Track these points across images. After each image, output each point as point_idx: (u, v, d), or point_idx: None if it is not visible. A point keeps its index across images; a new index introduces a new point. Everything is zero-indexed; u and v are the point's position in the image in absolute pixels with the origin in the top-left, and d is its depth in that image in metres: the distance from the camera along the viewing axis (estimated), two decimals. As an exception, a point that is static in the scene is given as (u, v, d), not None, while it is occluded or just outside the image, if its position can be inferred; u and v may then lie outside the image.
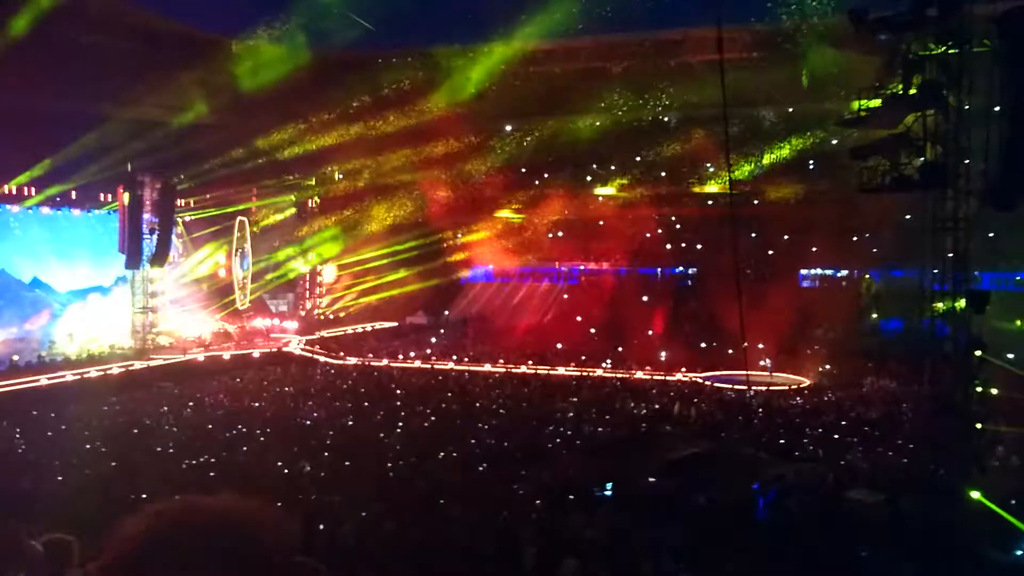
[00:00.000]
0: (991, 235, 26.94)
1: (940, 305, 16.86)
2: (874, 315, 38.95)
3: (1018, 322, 32.71)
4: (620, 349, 38.14)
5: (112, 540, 1.70)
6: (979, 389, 16.38)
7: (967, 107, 16.62)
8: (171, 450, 20.65)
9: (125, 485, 16.91)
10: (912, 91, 16.96)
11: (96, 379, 31.75)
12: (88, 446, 21.13)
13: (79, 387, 30.35)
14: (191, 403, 27.59)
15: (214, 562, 1.61)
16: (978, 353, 16.46)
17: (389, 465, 19.18)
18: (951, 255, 16.82)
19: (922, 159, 16.93)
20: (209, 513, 1.70)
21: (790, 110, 42.91)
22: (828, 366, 33.03)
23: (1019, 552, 14.22)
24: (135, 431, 23.03)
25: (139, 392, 29.89)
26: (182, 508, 1.71)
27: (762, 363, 33.98)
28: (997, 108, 15.81)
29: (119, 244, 37.90)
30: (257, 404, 27.20)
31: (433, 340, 43.77)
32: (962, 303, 16.61)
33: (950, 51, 16.37)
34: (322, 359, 38.08)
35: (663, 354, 36.72)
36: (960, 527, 15.24)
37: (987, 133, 15.81)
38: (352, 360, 37.55)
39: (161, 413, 25.78)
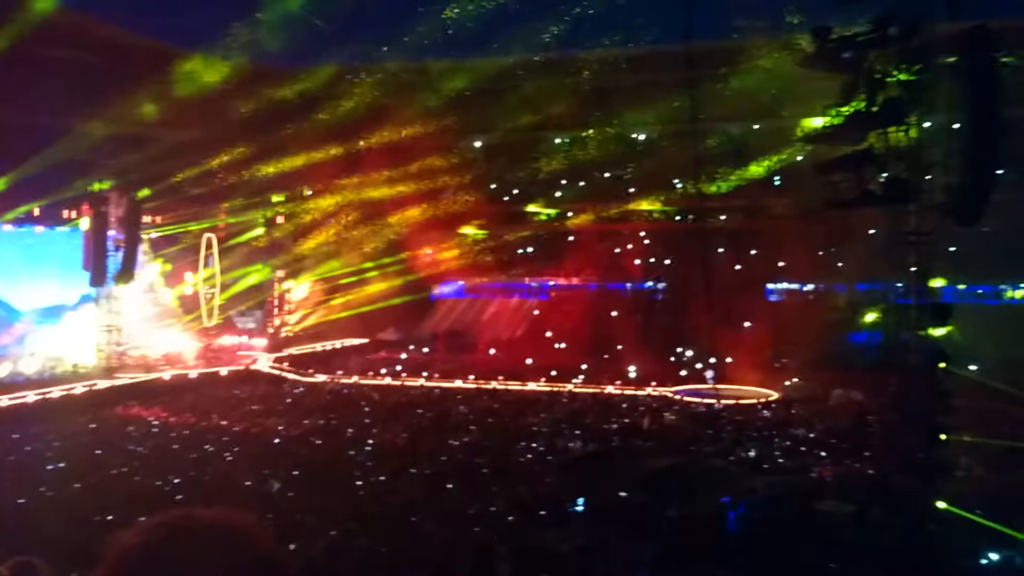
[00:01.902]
0: (953, 249, 27.43)
1: (904, 318, 17.17)
2: (841, 328, 39.43)
3: (980, 334, 33.30)
4: (590, 364, 38.21)
5: (110, 551, 1.69)
6: (943, 400, 16.64)
7: (929, 124, 17.00)
8: (136, 470, 20.33)
9: (89, 506, 16.63)
10: (875, 108, 17.31)
11: (59, 399, 31.15)
12: (50, 467, 20.74)
13: (41, 407, 29.77)
14: (156, 422, 27.18)
15: (213, 570, 1.61)
16: (942, 365, 16.75)
17: (360, 482, 19.04)
18: (914, 269, 17.14)
19: (885, 175, 17.26)
20: (207, 523, 1.70)
21: (756, 127, 43.51)
22: (796, 379, 33.36)
23: (985, 561, 14.44)
24: (98, 451, 22.62)
25: (103, 412, 29.36)
26: (180, 518, 1.71)
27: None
28: (957, 125, 16.17)
29: (83, 261, 37.36)
30: (225, 422, 26.85)
31: (403, 356, 43.56)
32: (926, 316, 16.92)
33: (912, 69, 16.73)
34: (291, 376, 37.72)
35: (633, 368, 36.86)
36: (928, 537, 15.46)
37: (949, 149, 16.16)
38: (321, 377, 37.24)
39: (126, 433, 25.35)
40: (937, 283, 17.87)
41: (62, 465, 20.80)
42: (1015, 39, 34.12)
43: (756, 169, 43.21)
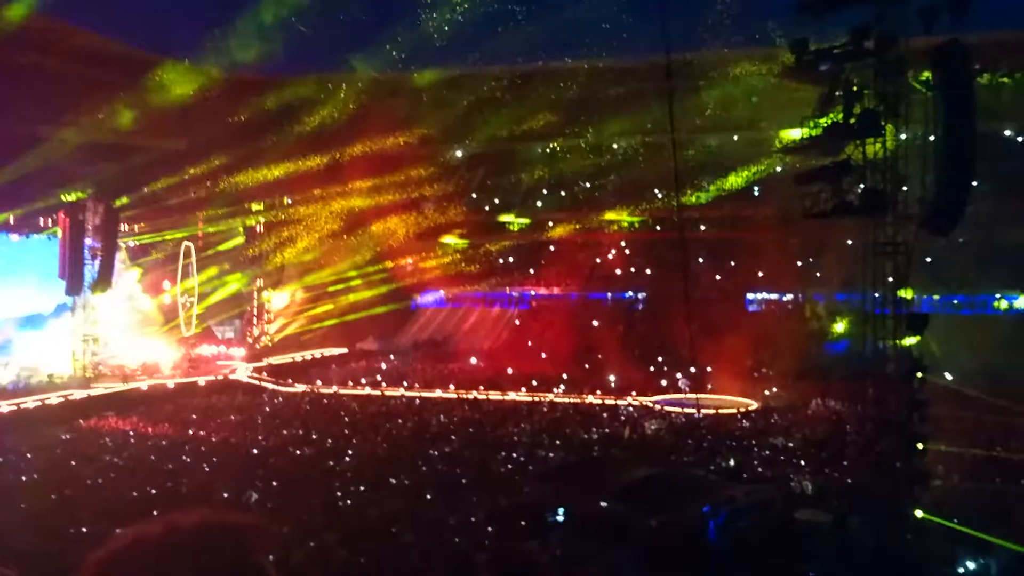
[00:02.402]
0: (929, 260, 27.75)
1: (881, 328, 17.32)
2: (819, 338, 39.72)
3: (956, 344, 33.67)
4: (571, 374, 38.22)
5: (91, 558, 1.67)
6: (920, 410, 16.78)
7: (905, 135, 17.20)
8: (111, 482, 20.09)
9: (63, 519, 16.42)
10: (852, 120, 17.50)
11: (33, 409, 30.73)
12: (24, 478, 20.46)
13: (15, 418, 29.36)
14: (133, 433, 26.87)
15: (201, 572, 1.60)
16: (919, 375, 16.90)
17: (339, 493, 18.92)
18: (891, 279, 17.31)
19: (862, 186, 17.44)
20: (193, 526, 1.69)
21: (735, 137, 43.85)
22: (775, 388, 33.55)
23: (962, 570, 14.55)
24: (73, 463, 22.34)
25: (79, 422, 28.99)
26: (164, 525, 1.69)
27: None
28: (933, 137, 16.37)
29: (59, 270, 36.93)
30: (202, 433, 26.59)
31: (383, 366, 43.38)
32: (902, 326, 17.08)
33: (888, 81, 16.94)
34: (270, 386, 37.45)
35: (613, 378, 36.91)
36: (905, 545, 15.56)
37: (924, 160, 16.35)
38: (300, 387, 37.01)
39: (102, 444, 25.05)
40: (913, 293, 18.03)
41: (36, 477, 20.52)
42: (989, 53, 34.85)
43: (735, 180, 43.53)
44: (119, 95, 37.56)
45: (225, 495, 18.41)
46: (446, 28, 40.72)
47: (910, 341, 17.10)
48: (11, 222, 38.29)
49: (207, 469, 21.48)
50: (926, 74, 16.75)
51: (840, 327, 37.60)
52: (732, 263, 44.63)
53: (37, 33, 33.43)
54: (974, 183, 17.21)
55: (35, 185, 35.57)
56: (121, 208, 39.09)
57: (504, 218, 51.34)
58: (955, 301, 39.19)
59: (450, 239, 51.41)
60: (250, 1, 38.77)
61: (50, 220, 38.67)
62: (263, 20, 39.18)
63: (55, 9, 33.52)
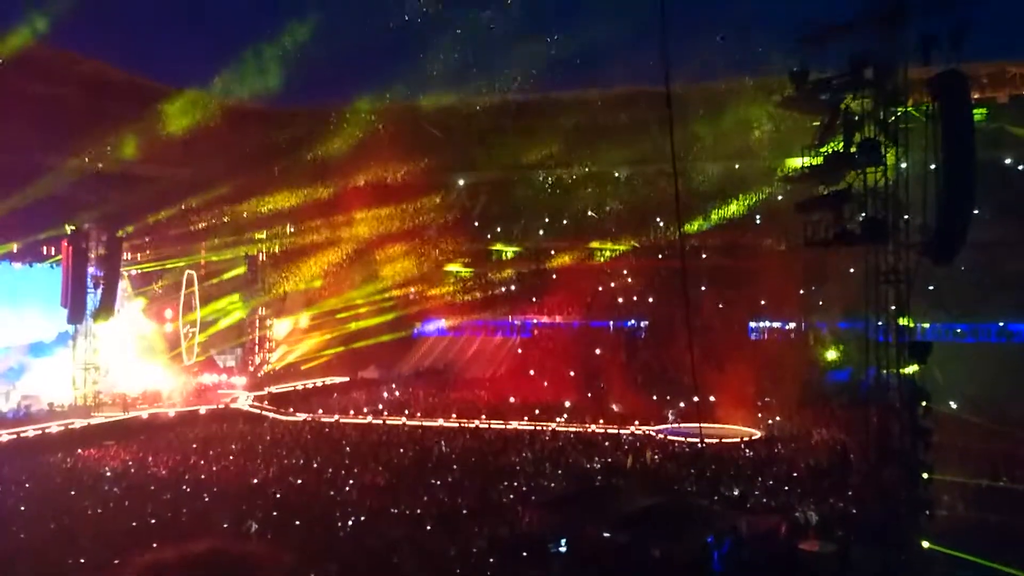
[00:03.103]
0: (931, 287, 27.72)
1: (883, 356, 17.27)
2: (821, 366, 39.57)
3: (958, 372, 33.53)
4: (573, 402, 38.07)
5: None
6: (924, 438, 16.68)
7: (905, 164, 17.28)
8: (110, 511, 19.97)
9: (63, 549, 16.32)
10: (852, 149, 17.60)
11: (33, 438, 30.62)
12: (23, 508, 20.34)
13: (15, 447, 29.25)
14: (132, 462, 26.73)
15: None
16: (922, 403, 16.82)
17: (340, 523, 18.78)
18: (893, 307, 17.29)
19: (863, 214, 17.49)
20: (205, 554, 1.68)
21: (737, 166, 43.99)
22: (778, 417, 33.36)
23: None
24: (73, 492, 22.22)
25: (78, 451, 28.85)
26: (178, 553, 1.69)
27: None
28: (933, 166, 16.42)
29: (62, 298, 36.99)
30: (203, 462, 26.45)
31: (385, 395, 43.24)
32: (905, 354, 17.04)
33: (887, 110, 17.05)
34: (270, 415, 37.30)
35: (616, 406, 36.75)
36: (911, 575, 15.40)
37: (925, 188, 16.39)
38: (302, 416, 36.85)
39: (101, 473, 24.92)
40: (915, 321, 18.00)
41: (35, 506, 20.41)
42: (988, 82, 35.09)
43: (737, 208, 43.62)
44: (124, 124, 37.80)
45: (225, 525, 18.28)
46: (449, 59, 41.03)
47: (913, 369, 17.04)
48: (15, 250, 38.38)
49: (207, 499, 21.34)
50: (925, 105, 16.83)
51: (843, 355, 37.48)
52: (734, 291, 44.55)
53: (43, 62, 33.72)
54: (975, 211, 17.23)
55: (40, 214, 35.67)
56: (124, 237, 39.21)
57: (506, 246, 51.39)
58: (958, 329, 39.06)
59: (455, 267, 51.46)
60: (254, 33, 39.17)
61: (53, 249, 38.78)
62: (267, 52, 39.56)
63: (62, 38, 33.86)
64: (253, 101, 42.35)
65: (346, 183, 46.24)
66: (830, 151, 18.35)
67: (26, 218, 35.28)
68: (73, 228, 36.72)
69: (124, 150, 39.11)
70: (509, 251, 51.40)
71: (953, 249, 16.62)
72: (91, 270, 37.31)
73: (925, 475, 16.60)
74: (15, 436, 30.23)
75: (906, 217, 17.30)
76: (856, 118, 17.71)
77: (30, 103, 33.52)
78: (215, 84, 40.54)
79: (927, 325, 32.58)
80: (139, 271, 45.19)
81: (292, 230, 49.60)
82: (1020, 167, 38.38)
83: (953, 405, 29.59)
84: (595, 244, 48.56)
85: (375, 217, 47.31)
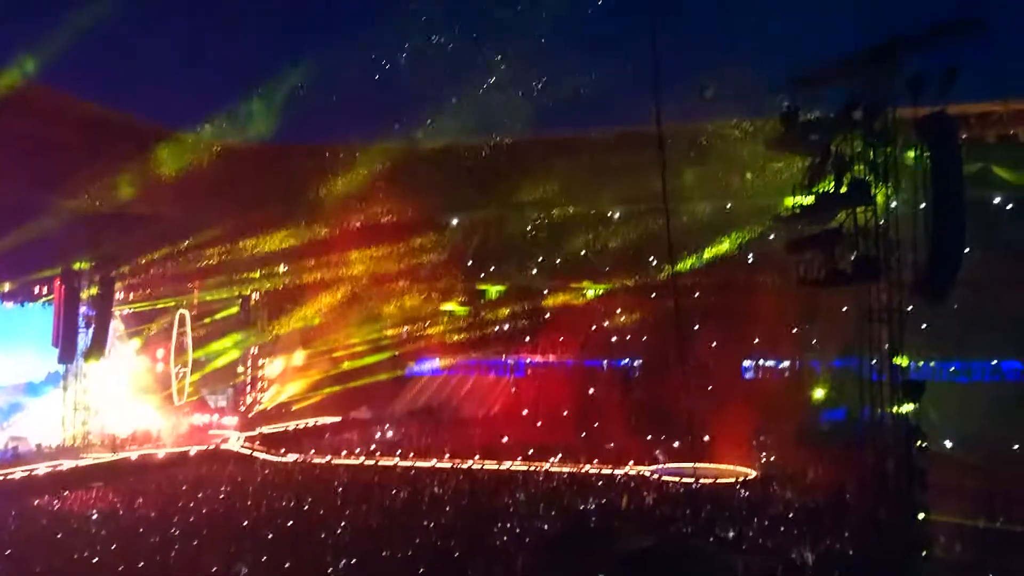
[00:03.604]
0: (924, 326, 27.77)
1: (878, 395, 17.26)
2: (816, 406, 39.48)
3: (953, 410, 33.47)
4: (567, 442, 37.83)
5: None
6: (920, 478, 16.59)
7: (895, 204, 17.43)
8: (98, 555, 19.64)
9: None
10: (843, 189, 17.76)
11: (20, 479, 30.23)
12: (8, 551, 20.00)
13: (2, 488, 28.84)
14: (121, 504, 26.39)
15: None
16: (918, 442, 16.76)
17: (331, 566, 18.52)
18: (886, 346, 17.32)
19: (855, 253, 17.60)
20: None
21: (728, 205, 44.26)
22: (773, 456, 33.19)
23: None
24: (59, 535, 21.88)
25: (66, 494, 28.48)
26: None
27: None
28: (923, 204, 16.57)
29: (53, 338, 36.79)
30: (192, 504, 26.12)
31: (377, 435, 42.91)
32: (899, 393, 17.02)
33: (877, 151, 17.24)
34: (261, 456, 36.94)
35: (610, 446, 36.54)
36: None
37: (916, 227, 16.52)
38: (293, 457, 36.50)
39: (89, 516, 24.57)
40: (909, 360, 18.01)
41: (21, 549, 20.07)
42: (975, 122, 35.51)
43: (730, 247, 43.79)
44: (118, 164, 37.88)
45: (214, 568, 17.99)
46: (443, 101, 41.36)
47: (907, 408, 17.01)
48: (6, 290, 38.26)
49: (196, 542, 21.02)
50: (911, 152, 17.05)
51: (837, 394, 37.40)
52: (728, 330, 44.57)
53: (37, 102, 33.86)
54: (966, 250, 17.34)
55: (32, 254, 35.61)
56: (117, 276, 39.13)
57: (493, 286, 51.45)
58: (952, 368, 39.06)
59: (450, 306, 51.41)
60: (249, 75, 39.48)
61: (46, 288, 38.66)
62: (263, 94, 39.82)
63: (56, 78, 34.04)
64: (247, 140, 42.53)
65: (339, 222, 46.30)
66: (821, 191, 18.50)
67: (18, 258, 35.20)
68: (67, 263, 36.66)
69: (118, 190, 39.16)
70: (493, 290, 51.45)
71: (945, 288, 16.71)
72: (83, 309, 37.16)
73: (921, 515, 16.49)
74: (2, 478, 29.83)
75: (898, 256, 17.39)
76: (846, 158, 17.90)
77: (23, 143, 33.62)
78: (209, 125, 40.75)
79: (922, 363, 32.60)
80: (131, 311, 45.00)
81: (285, 269, 49.57)
82: (1009, 206, 38.73)
83: (948, 444, 29.49)
84: (589, 283, 48.64)
85: (368, 256, 47.32)
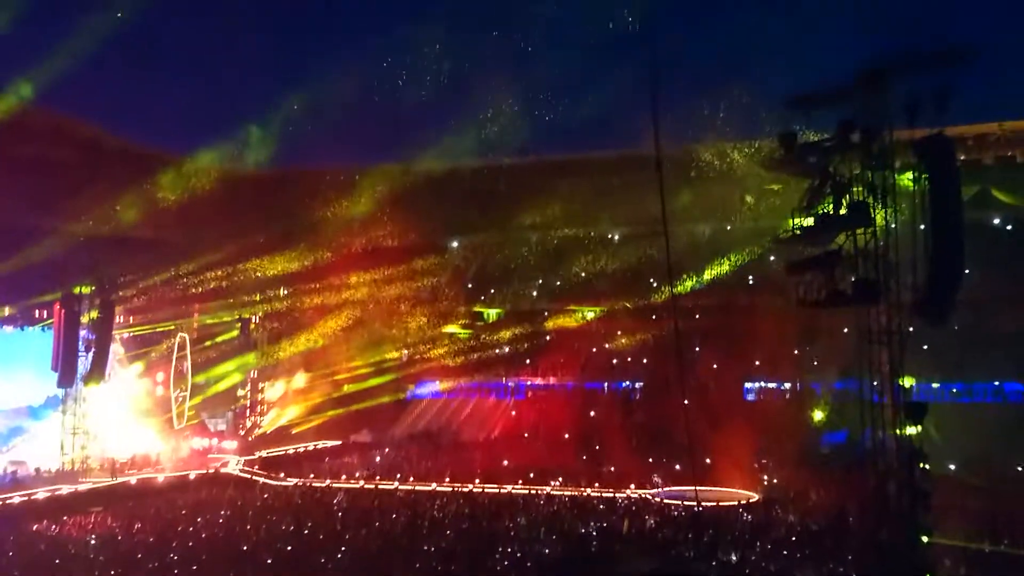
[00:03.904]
0: (925, 347, 27.75)
1: (879, 417, 17.18)
2: (817, 427, 39.36)
3: (956, 432, 33.35)
4: (568, 465, 37.65)
5: None
6: (922, 500, 16.49)
7: (895, 225, 17.45)
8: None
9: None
10: (842, 211, 17.79)
11: (19, 504, 30.07)
12: (6, 577, 19.91)
13: (1, 513, 28.69)
14: (119, 529, 26.23)
15: None
16: (920, 464, 16.67)
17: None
18: (887, 367, 17.26)
19: (855, 275, 17.60)
20: None
21: (728, 227, 44.37)
22: (775, 479, 33.03)
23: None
24: (57, 560, 21.74)
25: (65, 518, 28.31)
26: None
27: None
28: (923, 226, 16.59)
29: (52, 362, 36.75)
30: (191, 529, 25.96)
31: (378, 459, 42.73)
32: (901, 414, 16.95)
33: (875, 172, 17.30)
34: (261, 480, 36.77)
35: (611, 469, 36.37)
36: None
37: (915, 249, 16.53)
38: (293, 481, 36.33)
39: (87, 541, 24.41)
40: (911, 381, 17.98)
41: (19, 574, 19.95)
42: (973, 143, 35.67)
43: (729, 269, 43.86)
44: (120, 189, 38.04)
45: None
46: (444, 125, 41.60)
47: (910, 430, 16.94)
48: (6, 314, 38.28)
49: (195, 567, 20.88)
50: (909, 174, 17.11)
51: (838, 416, 37.29)
52: (729, 352, 44.52)
53: (39, 126, 34.05)
54: (965, 271, 17.35)
55: (32, 277, 35.67)
56: (117, 300, 39.15)
57: (489, 308, 51.53)
58: (954, 389, 38.96)
59: (452, 328, 51.37)
60: (250, 101, 39.74)
61: (46, 312, 38.67)
62: (264, 119, 40.12)
63: (59, 103, 34.28)
64: (248, 164, 42.76)
65: (339, 246, 46.43)
66: (821, 213, 18.55)
67: (18, 282, 35.25)
68: (67, 287, 36.69)
69: (119, 214, 39.30)
70: (493, 313, 51.51)
71: (945, 309, 16.69)
72: (83, 333, 37.14)
73: (925, 538, 16.36)
74: (1, 503, 29.69)
75: (897, 277, 17.40)
76: (845, 180, 17.96)
77: (25, 167, 33.78)
78: (211, 150, 40.97)
79: (923, 384, 32.53)
80: (131, 334, 44.99)
81: (285, 293, 49.61)
82: (1009, 227, 38.84)
83: (952, 467, 29.36)
84: (589, 306, 48.66)
85: (368, 280, 47.41)
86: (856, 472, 18.99)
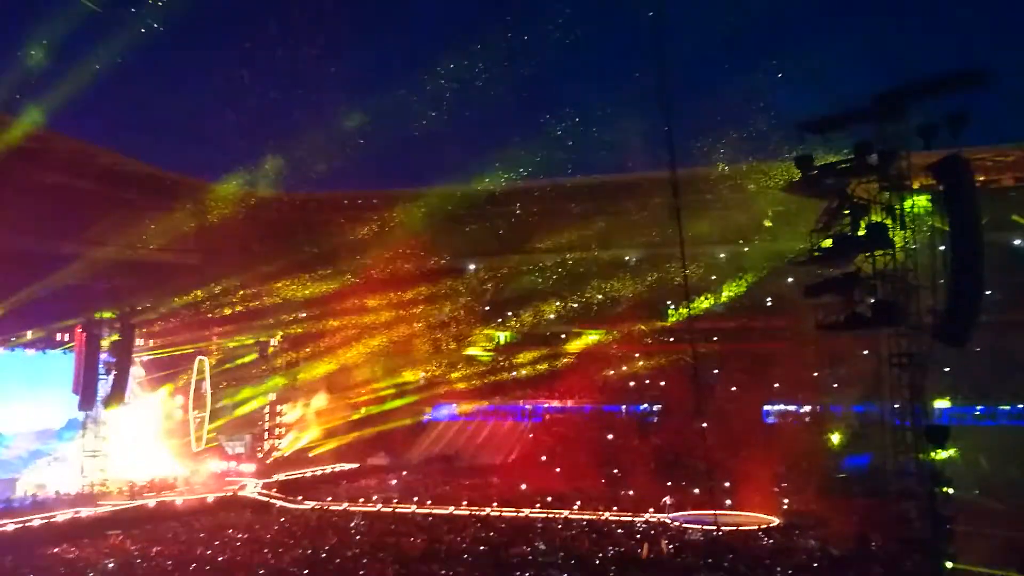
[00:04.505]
0: (947, 370, 27.48)
1: (901, 441, 17.00)
2: (838, 451, 38.92)
3: (978, 456, 32.87)
4: (586, 489, 37.41)
5: None
6: (946, 526, 16.26)
7: (914, 247, 17.36)
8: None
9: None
10: (860, 232, 17.71)
11: (39, 527, 30.20)
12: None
13: (18, 536, 28.83)
14: (137, 552, 26.27)
15: None
16: (943, 489, 16.46)
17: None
18: (908, 390, 17.10)
19: (873, 297, 17.49)
20: None
21: (745, 249, 44.25)
22: (795, 503, 32.64)
23: None
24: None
25: (83, 541, 28.39)
26: None
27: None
28: (943, 247, 16.50)
29: (73, 384, 37.03)
30: (209, 552, 25.97)
31: (394, 482, 42.65)
32: (923, 438, 16.76)
33: (893, 195, 17.23)
34: (278, 503, 36.77)
35: (629, 493, 36.09)
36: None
37: (934, 271, 16.44)
38: (310, 504, 36.30)
39: (105, 566, 24.45)
40: (932, 404, 17.80)
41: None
42: (992, 165, 35.47)
43: (746, 291, 43.69)
44: (140, 214, 38.47)
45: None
46: (460, 149, 41.94)
47: (932, 454, 16.74)
48: (28, 337, 38.65)
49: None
50: (925, 198, 17.04)
51: (859, 440, 36.86)
52: (748, 375, 44.23)
53: (63, 153, 34.52)
54: (986, 292, 17.22)
55: (54, 302, 36.00)
56: (137, 324, 39.46)
57: (514, 332, 51.54)
58: (976, 411, 38.47)
59: (473, 351, 51.37)
60: (270, 126, 40.20)
61: (67, 335, 39.03)
62: (284, 145, 40.54)
63: (80, 130, 34.79)
64: (267, 188, 43.16)
65: (357, 270, 46.71)
66: (838, 234, 18.47)
67: (40, 307, 35.61)
68: (89, 311, 37.02)
69: (139, 239, 39.73)
70: (510, 336, 51.55)
71: (966, 331, 16.55)
72: (103, 356, 37.42)
73: (949, 564, 16.12)
74: (21, 525, 29.84)
75: (917, 299, 17.28)
76: (863, 202, 17.90)
77: (46, 194, 34.21)
78: (233, 176, 41.36)
79: (945, 408, 32.14)
80: (151, 357, 45.30)
81: (304, 316, 49.83)
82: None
83: (976, 492, 28.91)
84: (606, 328, 48.56)
85: (385, 304, 47.62)
86: (878, 497, 18.74)
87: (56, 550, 26.79)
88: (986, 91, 17.16)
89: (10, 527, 29.46)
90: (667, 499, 33.44)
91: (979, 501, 27.83)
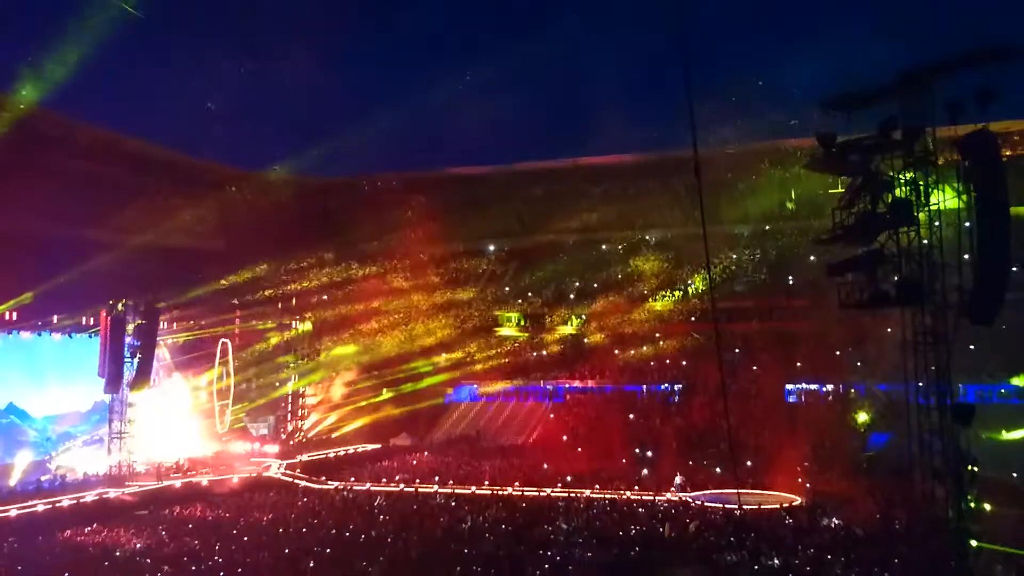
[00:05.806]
0: (972, 347, 27.15)
1: (926, 419, 16.85)
2: (862, 430, 38.70)
3: (1006, 435, 32.55)
4: (607, 468, 37.47)
5: None
6: (972, 505, 16.14)
7: (938, 224, 17.11)
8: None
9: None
10: (883, 209, 17.49)
11: (68, 508, 30.72)
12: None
13: (50, 516, 29.33)
14: (166, 531, 26.65)
15: None
16: (969, 468, 16.32)
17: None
18: (933, 369, 16.93)
19: (898, 276, 17.28)
20: None
21: (767, 227, 43.90)
22: (818, 482, 32.50)
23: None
24: (106, 563, 22.15)
25: (111, 522, 28.85)
26: None
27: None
28: (968, 224, 16.25)
29: (99, 368, 37.48)
30: (234, 532, 26.29)
31: (416, 462, 42.92)
32: (948, 417, 16.60)
33: (918, 172, 16.98)
34: (303, 484, 37.13)
35: (651, 472, 36.10)
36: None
37: (960, 248, 16.20)
38: (333, 484, 36.62)
39: (134, 547, 24.83)
40: (958, 383, 17.62)
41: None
42: (1019, 139, 34.82)
43: (770, 271, 43.40)
44: (165, 199, 38.71)
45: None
46: (480, 131, 41.84)
47: (957, 433, 16.59)
48: (54, 321, 39.11)
49: (239, 569, 21.14)
50: (953, 172, 16.73)
51: (883, 419, 36.64)
52: (770, 354, 43.99)
53: (88, 141, 34.75)
54: (1013, 269, 16.97)
55: (82, 289, 36.35)
56: (162, 307, 39.83)
57: (534, 312, 51.59)
58: (1002, 390, 38.08)
59: (507, 331, 51.50)
60: (293, 112, 40.20)
61: (92, 319, 39.47)
62: (306, 130, 40.64)
63: (103, 117, 35.01)
64: (294, 175, 43.28)
65: (379, 252, 46.88)
66: (861, 211, 18.24)
67: (68, 292, 36.00)
68: (114, 295, 37.41)
69: (164, 224, 40.01)
70: (529, 317, 51.58)
71: (992, 309, 16.31)
72: (128, 340, 37.82)
73: (974, 543, 16.00)
74: (51, 506, 30.39)
75: (942, 277, 17.06)
76: (887, 178, 17.66)
77: (73, 180, 34.49)
78: (263, 164, 41.47)
79: (971, 386, 31.82)
80: (175, 340, 45.79)
81: (327, 299, 50.12)
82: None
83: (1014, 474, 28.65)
84: (626, 308, 48.47)
85: (407, 286, 47.79)
86: (902, 476, 18.60)
87: (84, 530, 27.22)
88: (1013, 66, 16.82)
89: (40, 508, 29.97)
90: (679, 478, 33.39)
91: (1006, 481, 27.59)
